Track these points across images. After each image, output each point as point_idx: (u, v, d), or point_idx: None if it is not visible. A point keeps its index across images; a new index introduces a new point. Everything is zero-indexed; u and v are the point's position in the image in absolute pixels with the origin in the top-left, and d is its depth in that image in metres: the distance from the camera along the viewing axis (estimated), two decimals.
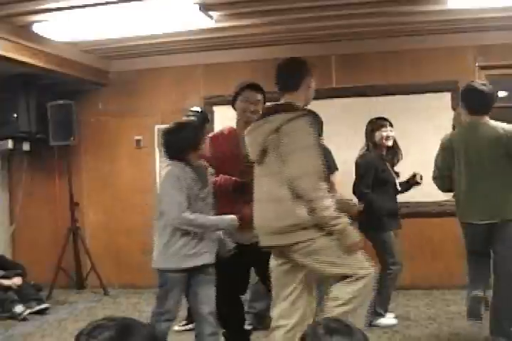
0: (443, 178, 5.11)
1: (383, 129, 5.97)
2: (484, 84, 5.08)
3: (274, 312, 4.01)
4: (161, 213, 4.37)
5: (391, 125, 6.01)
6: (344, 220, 3.70)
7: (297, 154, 3.69)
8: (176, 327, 6.00)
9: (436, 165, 5.14)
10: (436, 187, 5.23)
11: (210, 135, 4.96)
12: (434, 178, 5.17)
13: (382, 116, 6.12)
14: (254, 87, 4.81)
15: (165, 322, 4.40)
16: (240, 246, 4.72)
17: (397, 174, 6.07)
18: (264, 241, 3.96)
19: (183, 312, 6.01)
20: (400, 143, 6.17)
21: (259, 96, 4.80)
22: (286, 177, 3.71)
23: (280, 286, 3.99)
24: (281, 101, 3.99)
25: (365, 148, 6.06)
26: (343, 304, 3.72)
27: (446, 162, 5.04)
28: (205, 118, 6.24)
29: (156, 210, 4.49)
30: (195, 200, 4.34)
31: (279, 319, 3.94)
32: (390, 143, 5.99)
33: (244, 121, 4.73)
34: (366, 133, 6.06)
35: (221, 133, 4.91)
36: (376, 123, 6.02)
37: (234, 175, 4.68)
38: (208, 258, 4.44)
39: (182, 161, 4.37)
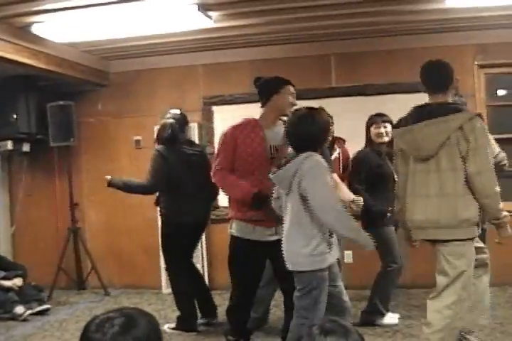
0: None
1: (375, 126, 6.00)
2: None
3: None
4: (316, 208, 4.02)
5: (386, 121, 5.99)
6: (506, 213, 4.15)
7: (479, 151, 4.00)
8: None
9: None
10: None
11: (232, 126, 4.87)
12: None
13: (380, 112, 6.14)
14: (291, 82, 4.92)
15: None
16: (259, 243, 4.76)
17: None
18: (428, 235, 4.24)
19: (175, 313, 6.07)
20: None
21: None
22: (468, 172, 4.03)
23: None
24: (439, 101, 4.25)
25: (366, 143, 6.12)
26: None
27: None
28: (184, 120, 6.21)
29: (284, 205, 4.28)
30: None
31: None
32: (381, 139, 5.99)
33: (280, 115, 4.86)
34: (366, 129, 6.11)
35: (245, 125, 4.84)
36: (370, 120, 6.08)
37: (260, 166, 4.69)
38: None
39: (315, 152, 4.16)
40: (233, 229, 4.88)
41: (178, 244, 6.02)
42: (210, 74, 7.98)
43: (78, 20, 6.04)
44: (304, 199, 4.06)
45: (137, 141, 8.18)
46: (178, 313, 6.12)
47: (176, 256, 6.07)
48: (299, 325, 4.14)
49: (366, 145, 6.07)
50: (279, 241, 4.53)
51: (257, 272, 4.93)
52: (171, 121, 6.04)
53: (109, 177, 6.07)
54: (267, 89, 4.86)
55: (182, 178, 5.94)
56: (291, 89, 4.86)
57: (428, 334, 4.20)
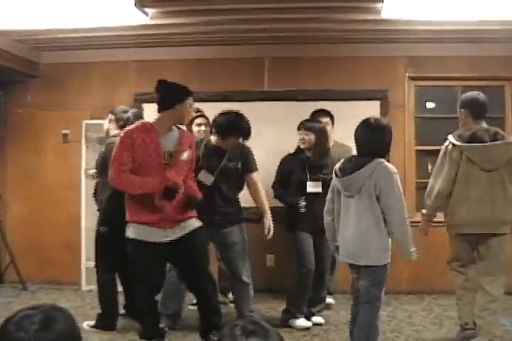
0: None
1: (298, 132, 6.09)
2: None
3: None
4: (386, 208, 4.53)
5: (306, 128, 6.08)
6: None
7: None
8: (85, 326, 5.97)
9: None
10: None
11: (129, 129, 4.87)
12: None
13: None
14: (192, 93, 4.96)
15: None
16: (156, 244, 4.77)
17: (320, 178, 6.11)
18: (492, 230, 5.23)
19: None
20: None
21: None
22: None
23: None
24: (485, 126, 5.35)
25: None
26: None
27: None
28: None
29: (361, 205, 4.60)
30: None
31: None
32: (301, 145, 6.10)
33: (178, 124, 4.97)
34: None
35: (141, 129, 4.82)
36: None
37: (153, 171, 4.70)
38: None
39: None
40: (130, 232, 4.85)
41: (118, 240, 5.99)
42: (143, 71, 7.88)
43: (11, 7, 5.91)
44: (379, 200, 4.54)
45: (65, 135, 8.02)
46: (96, 310, 6.06)
47: (110, 253, 6.01)
48: (372, 313, 4.64)
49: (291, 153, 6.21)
50: (175, 241, 4.81)
51: (157, 274, 4.93)
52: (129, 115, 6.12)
53: None
54: (171, 97, 4.88)
55: None
56: (192, 100, 4.94)
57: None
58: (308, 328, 6.03)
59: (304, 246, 5.96)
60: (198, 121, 6.44)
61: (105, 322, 5.95)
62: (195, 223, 4.97)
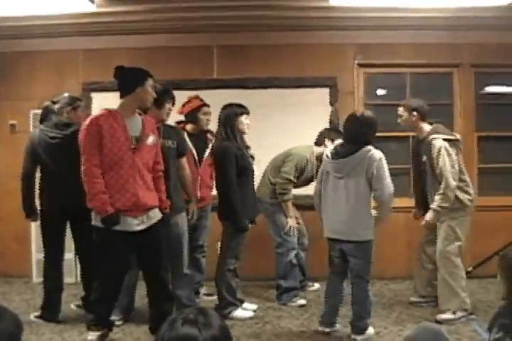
0: None
1: (246, 116, 5.95)
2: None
3: None
4: (380, 188, 5.07)
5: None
6: None
7: None
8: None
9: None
10: None
11: (94, 116, 4.79)
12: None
13: (237, 102, 6.08)
14: (151, 75, 4.95)
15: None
16: (125, 233, 4.75)
17: (253, 157, 6.09)
18: None
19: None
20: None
21: None
22: None
23: None
24: None
25: (223, 135, 5.91)
26: None
27: None
28: (68, 102, 6.09)
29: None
30: None
31: None
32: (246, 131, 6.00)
33: (140, 107, 4.93)
34: (226, 120, 5.92)
35: (107, 114, 4.77)
36: (239, 110, 5.95)
37: (124, 156, 4.67)
38: None
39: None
40: (98, 220, 4.76)
41: (46, 232, 5.91)
42: (91, 59, 7.78)
43: None
44: (369, 183, 5.08)
45: (12, 126, 7.90)
46: None
47: (47, 244, 5.93)
48: (365, 285, 5.24)
49: (227, 136, 5.87)
50: (146, 229, 4.78)
51: (124, 263, 4.90)
52: (47, 103, 5.98)
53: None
54: (130, 81, 4.86)
55: (44, 162, 5.83)
56: (152, 81, 4.92)
57: None
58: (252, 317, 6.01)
59: (243, 235, 5.93)
60: (205, 109, 6.27)
61: (46, 314, 5.87)
62: (159, 213, 4.96)
